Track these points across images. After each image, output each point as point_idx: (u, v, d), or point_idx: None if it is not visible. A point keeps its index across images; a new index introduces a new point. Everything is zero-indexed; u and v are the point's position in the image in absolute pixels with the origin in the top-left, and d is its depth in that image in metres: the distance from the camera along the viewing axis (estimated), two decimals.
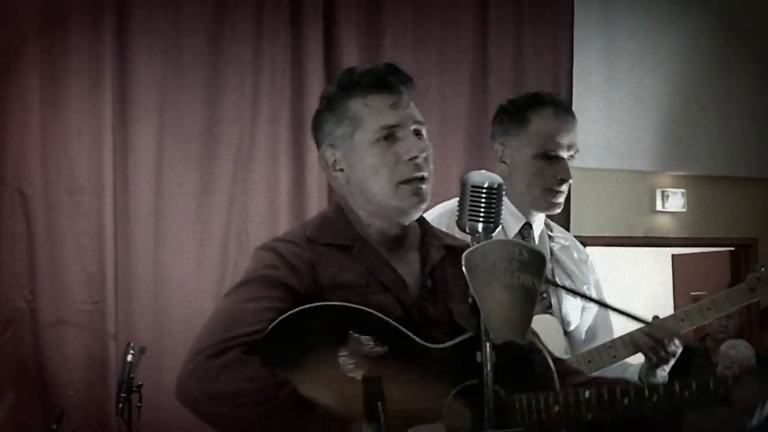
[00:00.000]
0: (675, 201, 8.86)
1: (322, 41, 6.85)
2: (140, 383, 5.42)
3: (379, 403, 2.32)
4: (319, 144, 2.69)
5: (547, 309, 3.60)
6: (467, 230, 2.35)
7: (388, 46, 7.07)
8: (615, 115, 8.36)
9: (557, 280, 3.63)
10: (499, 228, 2.87)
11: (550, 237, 3.77)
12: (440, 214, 3.47)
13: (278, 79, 6.69)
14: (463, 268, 2.19)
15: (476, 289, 2.18)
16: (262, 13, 6.70)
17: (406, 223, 2.64)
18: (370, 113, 2.58)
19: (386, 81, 2.61)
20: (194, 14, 6.52)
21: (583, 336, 3.73)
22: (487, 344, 2.20)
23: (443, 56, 7.28)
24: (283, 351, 2.38)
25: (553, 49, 7.71)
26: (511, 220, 3.62)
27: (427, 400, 2.42)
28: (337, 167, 2.63)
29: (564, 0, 7.80)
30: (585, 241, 7.95)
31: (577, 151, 3.65)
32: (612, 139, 8.34)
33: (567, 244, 3.82)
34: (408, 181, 2.54)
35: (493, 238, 2.32)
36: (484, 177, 2.36)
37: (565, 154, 3.60)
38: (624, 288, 8.33)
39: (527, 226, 3.67)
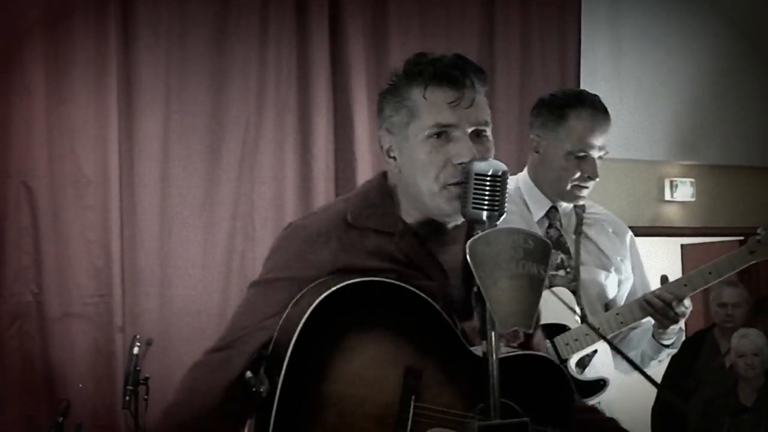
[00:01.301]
0: (684, 190, 8.85)
1: (327, 31, 6.84)
2: (147, 376, 5.43)
3: (413, 397, 2.32)
4: (379, 125, 2.65)
5: (572, 282, 3.73)
6: (472, 218, 2.34)
7: (394, 36, 7.07)
8: (623, 105, 8.34)
9: (582, 253, 3.79)
10: (524, 210, 2.89)
11: (578, 216, 3.90)
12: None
13: (284, 69, 6.68)
14: (467, 257, 2.18)
15: (481, 278, 2.17)
16: (267, 3, 6.69)
17: (450, 225, 2.58)
18: (427, 107, 2.49)
19: (450, 74, 2.49)
20: (199, 5, 6.52)
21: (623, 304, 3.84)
22: (492, 333, 2.20)
23: (450, 48, 7.25)
24: (329, 326, 2.36)
25: (560, 39, 7.71)
26: (537, 204, 3.82)
27: (454, 406, 2.42)
28: (391, 154, 2.58)
29: None
30: None
31: (607, 152, 3.81)
32: (620, 129, 8.24)
33: (601, 219, 3.99)
34: (455, 185, 2.44)
35: (498, 226, 2.31)
36: (488, 165, 2.35)
37: (596, 154, 3.75)
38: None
39: (553, 210, 3.83)
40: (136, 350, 5.44)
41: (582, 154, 3.74)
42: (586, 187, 3.81)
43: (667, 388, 7.26)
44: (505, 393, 2.36)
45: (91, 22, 6.18)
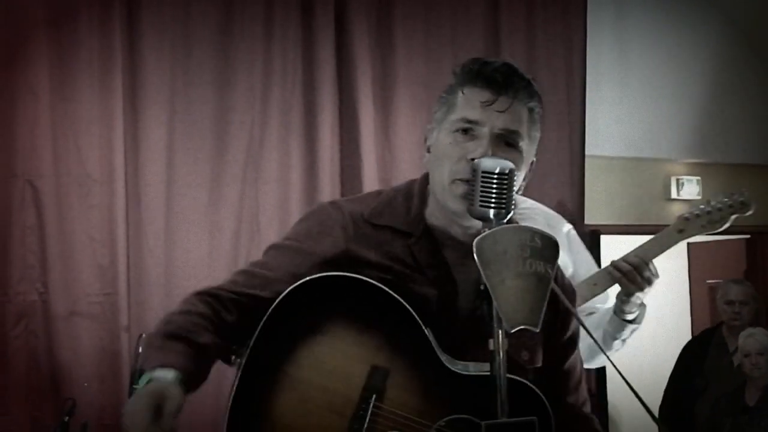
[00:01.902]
0: (690, 189, 8.84)
1: (332, 32, 6.84)
2: None
3: (374, 396, 2.33)
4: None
5: None
6: (479, 216, 2.34)
7: (399, 38, 7.06)
8: (628, 104, 8.36)
9: None
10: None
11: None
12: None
13: (289, 69, 6.68)
14: (474, 255, 2.17)
15: (488, 277, 2.16)
16: (272, 4, 6.69)
17: (464, 224, 2.58)
18: (463, 102, 2.53)
19: (491, 76, 2.52)
20: (204, 5, 6.52)
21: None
22: (499, 332, 2.19)
23: (454, 47, 7.26)
24: (304, 311, 2.44)
25: (566, 39, 7.70)
26: None
27: (419, 415, 2.42)
28: (428, 147, 2.62)
29: None
30: (599, 230, 8.02)
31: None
32: (625, 127, 8.34)
33: (533, 213, 3.88)
34: (463, 181, 2.46)
35: (504, 225, 2.30)
36: (495, 163, 2.35)
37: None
38: None
39: None
40: (141, 349, 5.44)
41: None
42: None
43: (677, 386, 7.28)
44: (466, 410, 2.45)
45: (95, 22, 6.18)
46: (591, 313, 3.71)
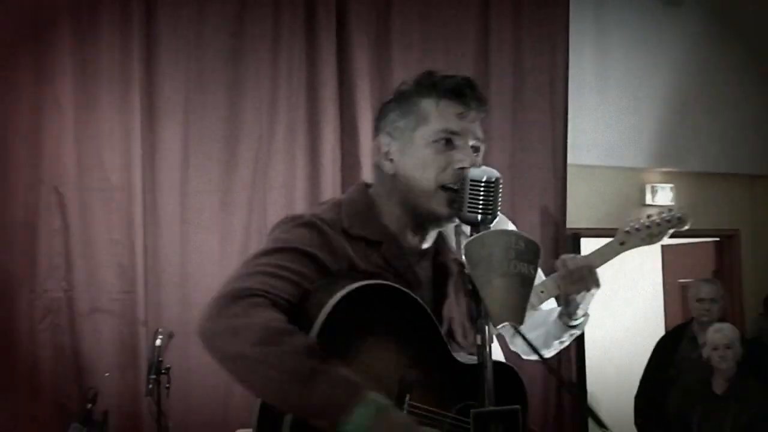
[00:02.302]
0: (663, 195, 8.85)
1: (334, 48, 6.85)
2: (168, 366, 5.43)
3: (408, 395, 2.32)
4: (378, 130, 2.63)
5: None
6: (466, 222, 2.35)
7: (396, 53, 7.08)
8: (607, 116, 8.37)
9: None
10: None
11: None
12: None
13: (294, 83, 6.69)
14: (463, 257, 2.19)
15: (476, 277, 2.18)
16: (279, 21, 6.70)
17: (436, 230, 2.59)
18: (438, 115, 2.51)
19: (461, 90, 2.54)
20: (216, 23, 6.53)
21: None
22: (486, 328, 2.21)
23: (447, 63, 7.26)
24: (345, 321, 2.30)
25: (549, 54, 7.72)
26: None
27: (440, 407, 2.42)
28: (389, 156, 2.56)
29: (560, 9, 7.79)
30: (579, 233, 8.04)
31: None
32: (604, 138, 8.35)
33: None
34: (450, 189, 2.46)
35: (491, 229, 2.32)
36: (483, 172, 2.37)
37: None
38: (617, 276, 8.29)
39: None
40: (158, 342, 5.44)
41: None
42: None
43: (651, 377, 7.29)
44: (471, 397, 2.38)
45: (116, 39, 6.19)
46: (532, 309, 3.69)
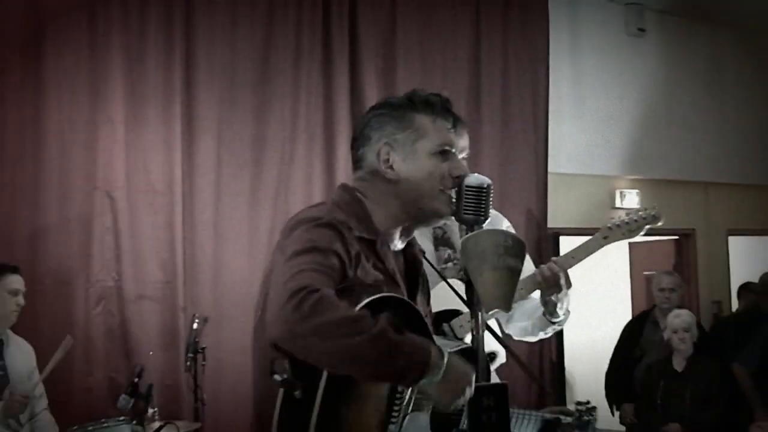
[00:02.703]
0: (631, 199, 8.84)
1: (347, 73, 6.85)
2: (204, 346, 5.42)
3: (404, 391, 2.33)
4: (369, 138, 2.53)
5: (459, 272, 3.55)
6: (462, 222, 2.34)
7: (400, 72, 7.09)
8: (583, 131, 8.38)
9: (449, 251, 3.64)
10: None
11: None
12: None
13: (312, 101, 6.70)
14: (459, 253, 2.18)
15: (470, 270, 2.18)
16: (299, 47, 6.71)
17: (431, 226, 2.59)
18: (436, 130, 2.51)
19: (450, 109, 2.56)
20: (245, 49, 6.54)
21: None
22: (479, 314, 2.20)
23: (444, 83, 7.27)
24: None
25: (532, 76, 7.73)
26: None
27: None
28: (390, 164, 2.50)
29: (540, 37, 7.80)
30: (559, 232, 8.02)
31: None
32: (580, 150, 8.35)
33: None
34: (446, 191, 2.46)
35: (483, 228, 2.31)
36: (476, 179, 2.36)
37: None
38: (590, 269, 8.30)
39: None
40: (195, 326, 5.43)
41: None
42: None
43: (620, 356, 7.29)
44: None
45: (160, 65, 6.21)
46: (524, 299, 3.67)
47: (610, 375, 7.34)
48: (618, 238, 3.67)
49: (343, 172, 6.65)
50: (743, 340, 6.91)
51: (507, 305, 2.16)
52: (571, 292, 3.54)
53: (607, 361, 7.40)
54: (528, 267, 3.74)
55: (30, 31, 5.88)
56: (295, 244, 2.31)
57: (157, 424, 4.76)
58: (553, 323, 3.60)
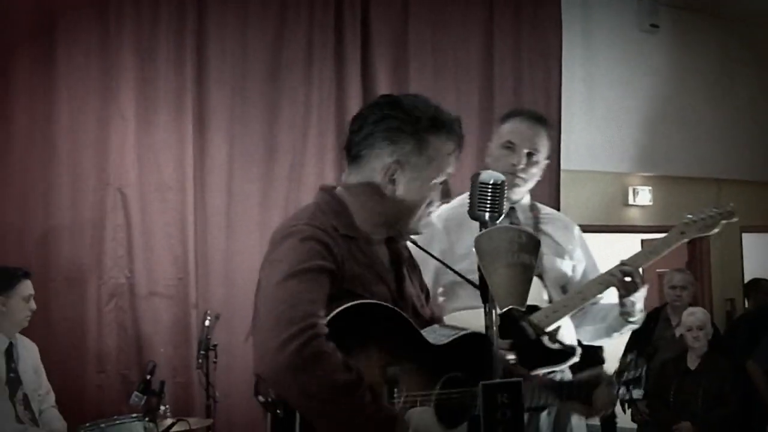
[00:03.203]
0: (643, 196, 8.83)
1: (359, 71, 6.86)
2: (216, 343, 5.45)
3: (395, 389, 2.31)
4: (377, 145, 2.48)
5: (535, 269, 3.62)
6: (477, 218, 2.34)
7: (413, 72, 7.08)
8: (595, 128, 8.35)
9: (544, 246, 3.52)
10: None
11: (535, 215, 3.83)
12: (445, 209, 3.55)
13: (324, 99, 6.69)
14: (473, 249, 2.17)
15: (484, 267, 2.16)
16: (311, 44, 6.72)
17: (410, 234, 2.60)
18: (443, 159, 2.50)
19: (456, 131, 2.53)
20: (257, 47, 6.55)
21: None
22: (493, 311, 2.19)
23: (457, 82, 7.27)
24: (338, 336, 2.25)
25: (544, 73, 7.70)
26: None
27: (424, 388, 2.40)
28: (392, 180, 2.48)
29: (553, 34, 7.77)
30: None
31: (538, 152, 3.71)
32: (593, 147, 8.33)
33: (553, 217, 3.90)
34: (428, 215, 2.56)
35: (497, 225, 2.30)
36: (490, 175, 2.35)
37: (525, 149, 3.67)
38: (604, 267, 8.30)
39: (512, 209, 3.75)
40: (207, 322, 5.45)
41: (509, 145, 3.68)
42: (517, 176, 3.69)
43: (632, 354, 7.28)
44: (458, 367, 2.44)
45: (171, 62, 6.22)
46: (594, 303, 3.69)
47: (621, 372, 7.32)
48: (695, 233, 3.68)
49: None
50: (756, 337, 6.90)
51: (521, 302, 2.15)
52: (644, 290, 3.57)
53: (618, 359, 7.38)
54: (582, 267, 3.78)
55: (41, 28, 5.89)
56: (287, 263, 2.32)
57: (169, 421, 4.78)
58: (630, 323, 3.61)
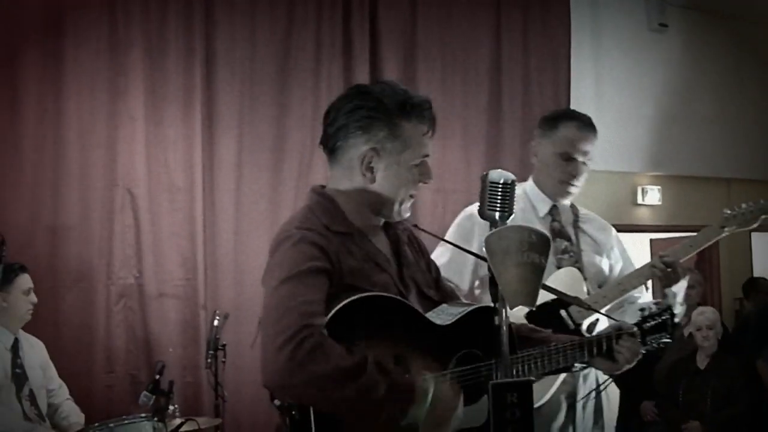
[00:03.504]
0: (652, 195, 8.83)
1: (368, 71, 6.84)
2: (224, 343, 5.45)
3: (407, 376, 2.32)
4: (352, 135, 2.52)
5: (575, 264, 3.70)
6: (487, 218, 2.34)
7: (421, 73, 7.07)
8: (604, 127, 8.24)
9: (580, 242, 3.78)
10: (531, 209, 2.91)
11: (575, 214, 3.89)
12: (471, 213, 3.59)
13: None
14: (483, 249, 2.18)
15: (494, 265, 2.17)
16: (320, 44, 6.71)
17: (375, 222, 2.61)
18: (418, 141, 2.51)
19: (428, 114, 2.54)
20: (265, 47, 6.55)
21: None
22: (503, 310, 2.19)
23: (465, 81, 7.27)
24: (340, 334, 2.29)
25: (553, 73, 7.69)
26: (541, 203, 3.81)
27: (437, 369, 2.41)
28: (370, 168, 2.51)
29: (562, 34, 7.76)
30: None
31: (590, 158, 3.82)
32: (601, 146, 8.23)
33: (592, 218, 3.97)
34: (411, 197, 2.55)
35: (507, 224, 2.30)
36: (500, 175, 2.35)
37: (579, 158, 3.74)
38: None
39: (555, 208, 3.81)
40: (215, 322, 5.45)
41: (568, 156, 3.74)
42: (573, 185, 3.79)
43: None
44: (469, 343, 2.47)
45: (180, 62, 6.22)
46: (632, 303, 3.71)
47: (628, 372, 7.31)
48: (735, 227, 3.70)
49: None
50: (765, 337, 6.88)
51: (531, 301, 2.16)
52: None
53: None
54: (619, 267, 3.79)
55: (50, 28, 5.89)
56: (281, 268, 2.38)
57: (178, 421, 4.78)
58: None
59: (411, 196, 2.56)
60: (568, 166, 3.75)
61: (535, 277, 2.19)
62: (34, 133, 5.83)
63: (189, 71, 6.23)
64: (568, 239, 3.78)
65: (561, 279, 3.55)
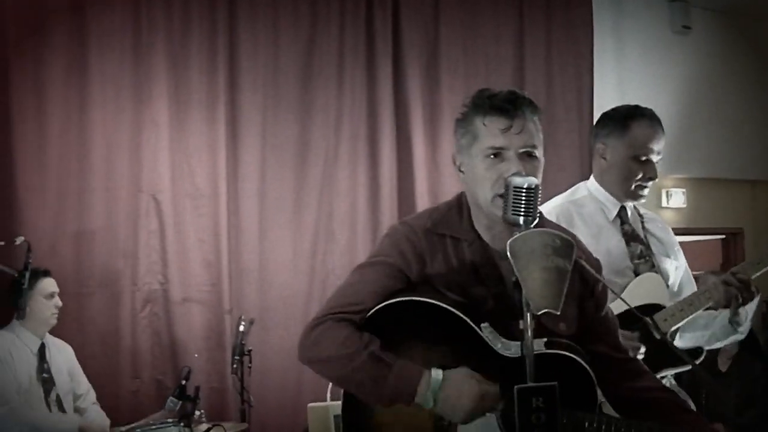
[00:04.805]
0: (677, 199, 8.78)
1: (391, 75, 6.84)
2: (250, 348, 5.47)
3: None
4: (454, 146, 2.63)
5: (652, 268, 3.63)
6: (509, 223, 2.34)
7: (444, 77, 7.05)
8: None
9: (651, 245, 3.70)
10: (600, 212, 2.99)
11: (639, 215, 3.81)
12: (553, 207, 3.64)
13: (356, 105, 6.69)
14: (507, 253, 2.18)
15: (519, 270, 2.17)
16: (343, 51, 6.71)
17: (497, 230, 2.54)
18: (486, 132, 2.50)
19: (503, 107, 2.50)
20: (288, 52, 6.56)
21: (675, 289, 3.73)
22: (528, 314, 2.19)
23: (488, 84, 7.14)
24: (381, 332, 2.46)
25: (576, 75, 7.65)
26: (610, 205, 3.72)
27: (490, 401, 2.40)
28: (461, 169, 2.58)
29: (585, 35, 7.73)
30: None
31: (662, 156, 3.71)
32: None
33: (654, 218, 3.88)
34: (502, 196, 2.41)
35: (531, 229, 2.30)
36: (524, 179, 2.35)
37: (654, 158, 3.66)
38: None
39: (623, 209, 3.73)
40: (241, 328, 5.48)
41: (644, 158, 3.65)
42: (647, 187, 3.71)
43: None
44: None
45: (204, 68, 6.25)
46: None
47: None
48: None
49: (387, 177, 6.65)
50: None
51: (556, 305, 2.15)
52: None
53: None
54: (682, 270, 3.76)
55: (74, 35, 5.93)
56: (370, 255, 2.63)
57: (204, 426, 4.80)
58: (739, 332, 3.58)
59: (500, 197, 2.43)
60: (643, 167, 3.66)
61: (560, 281, 2.18)
62: (59, 141, 5.87)
63: (212, 77, 6.26)
64: (643, 243, 3.70)
65: (643, 285, 3.51)
